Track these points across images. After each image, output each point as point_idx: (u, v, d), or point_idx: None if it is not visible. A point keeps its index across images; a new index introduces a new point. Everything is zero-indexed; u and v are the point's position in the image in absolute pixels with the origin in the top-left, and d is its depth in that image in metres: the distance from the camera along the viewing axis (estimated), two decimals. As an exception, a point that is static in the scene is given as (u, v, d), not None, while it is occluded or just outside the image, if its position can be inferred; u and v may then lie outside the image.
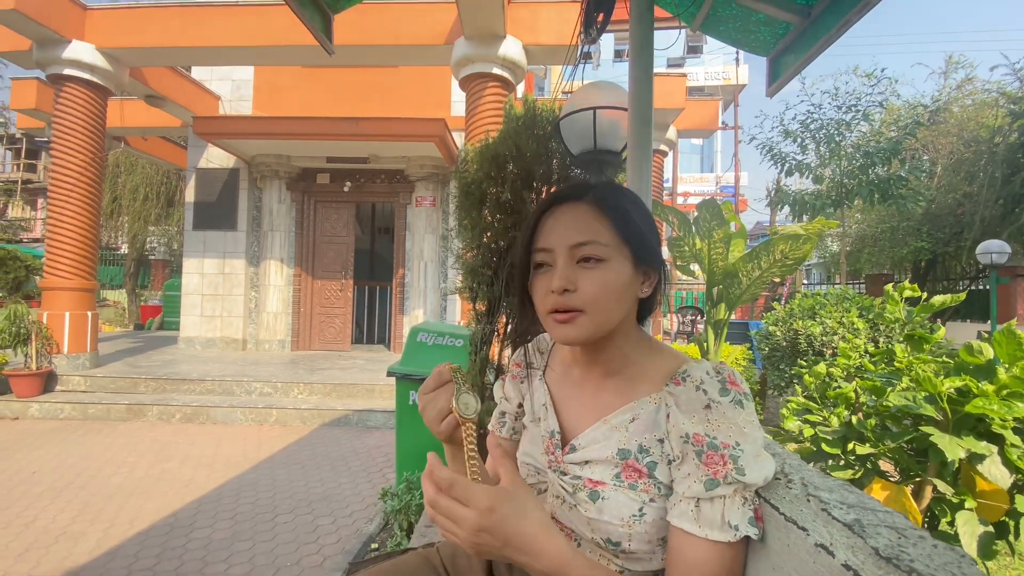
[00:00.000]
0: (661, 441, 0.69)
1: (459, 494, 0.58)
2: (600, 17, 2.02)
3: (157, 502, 2.83)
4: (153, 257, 13.81)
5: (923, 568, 0.44)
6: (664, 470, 0.68)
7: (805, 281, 16.67)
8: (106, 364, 5.84)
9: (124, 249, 13.89)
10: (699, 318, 10.33)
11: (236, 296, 7.53)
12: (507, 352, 2.49)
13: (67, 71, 5.37)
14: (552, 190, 2.53)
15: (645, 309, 0.78)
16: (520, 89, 5.68)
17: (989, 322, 7.87)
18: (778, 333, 4.00)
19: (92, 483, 3.10)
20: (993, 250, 6.92)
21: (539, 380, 0.87)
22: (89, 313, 5.54)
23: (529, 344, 0.92)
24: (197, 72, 7.54)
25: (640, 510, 0.67)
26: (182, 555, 2.28)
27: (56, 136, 5.42)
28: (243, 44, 5.37)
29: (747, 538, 0.63)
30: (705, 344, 3.66)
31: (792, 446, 1.49)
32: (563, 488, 0.74)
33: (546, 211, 0.75)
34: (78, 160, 5.40)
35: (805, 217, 8.87)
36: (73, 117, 5.41)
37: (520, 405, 0.89)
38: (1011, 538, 1.20)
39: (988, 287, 8.00)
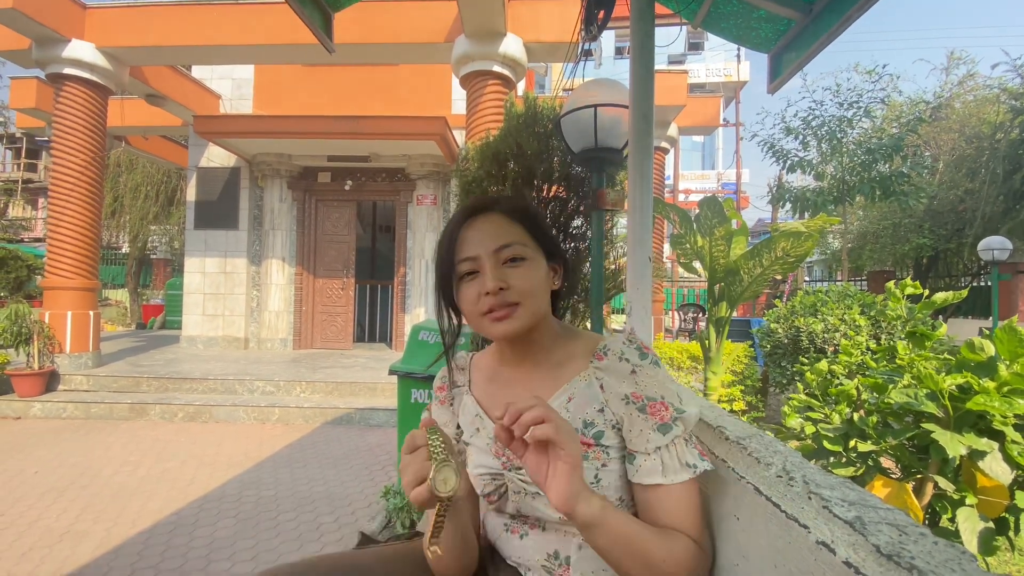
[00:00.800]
0: (601, 410, 0.75)
1: (521, 404, 0.62)
2: (601, 14, 2.02)
3: (160, 501, 2.84)
4: (155, 256, 13.82)
5: (924, 565, 0.44)
6: (611, 435, 0.75)
7: (806, 278, 16.65)
8: (108, 363, 5.85)
9: (126, 248, 13.90)
10: (700, 315, 10.33)
11: (238, 295, 7.54)
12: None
13: (67, 70, 5.37)
14: (554, 188, 2.53)
15: (556, 300, 0.88)
16: (521, 87, 5.67)
17: (991, 319, 7.86)
18: (780, 330, 4.00)
19: (95, 483, 3.11)
20: (995, 246, 6.91)
21: (467, 395, 0.90)
22: (91, 312, 5.55)
23: (447, 367, 0.94)
24: (197, 71, 7.54)
25: (596, 476, 0.74)
26: (185, 553, 2.29)
27: (56, 135, 5.42)
28: (243, 43, 5.37)
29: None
30: (707, 342, 3.65)
31: (794, 443, 1.49)
32: (522, 482, 0.77)
33: (462, 225, 0.81)
34: (79, 159, 5.40)
35: (807, 214, 8.86)
36: (73, 116, 5.41)
37: (458, 427, 0.91)
38: (1011, 534, 1.20)
39: (990, 284, 7.98)
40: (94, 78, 5.49)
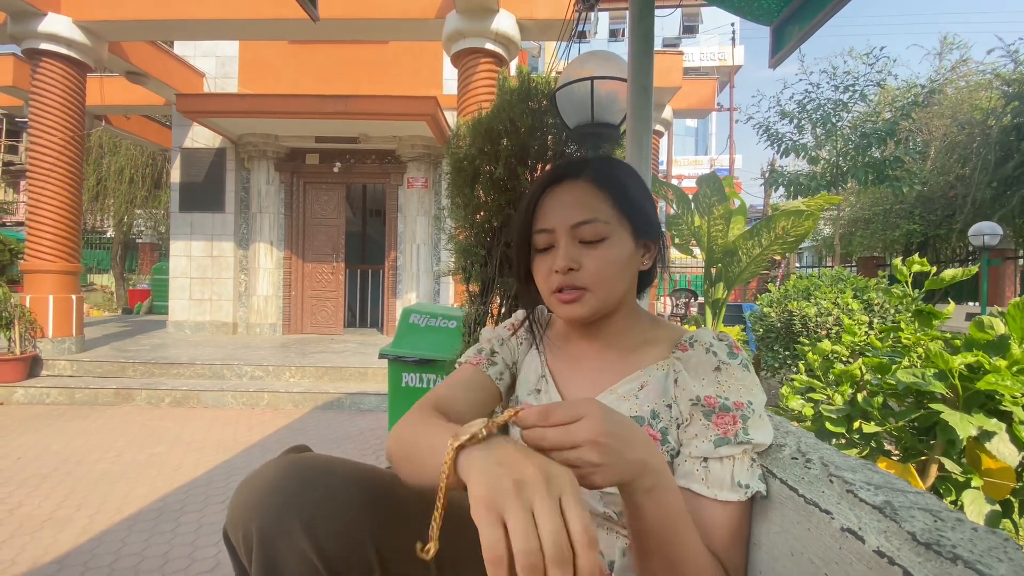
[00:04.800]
0: (669, 406, 0.70)
1: (562, 416, 0.49)
2: (598, -16, 1.94)
3: (145, 487, 2.78)
4: (140, 240, 13.57)
5: (967, 554, 0.40)
6: (675, 434, 0.69)
7: (797, 264, 16.74)
8: (93, 348, 5.74)
9: (111, 232, 13.62)
10: (692, 300, 10.37)
11: (225, 279, 7.41)
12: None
13: (43, 45, 5.17)
14: (547, 167, 2.47)
15: (644, 281, 0.80)
16: (513, 66, 5.55)
17: (978, 304, 7.93)
18: (773, 314, 3.98)
19: (78, 469, 3.04)
20: (985, 232, 6.95)
21: (536, 350, 0.84)
22: (73, 296, 5.42)
23: (531, 313, 0.88)
24: (180, 48, 7.31)
25: None
26: (171, 540, 2.24)
27: (33, 114, 5.24)
28: (227, 17, 5.18)
29: (752, 505, 0.63)
30: (703, 325, 3.63)
31: (793, 425, 1.46)
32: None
33: (544, 190, 0.75)
34: (57, 138, 5.23)
35: (799, 198, 8.84)
36: (50, 94, 5.22)
37: (514, 363, 0.85)
38: (1015, 516, 1.18)
39: (978, 269, 8.04)
40: (72, 54, 5.29)
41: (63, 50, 5.24)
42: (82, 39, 5.29)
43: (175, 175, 7.41)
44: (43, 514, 2.46)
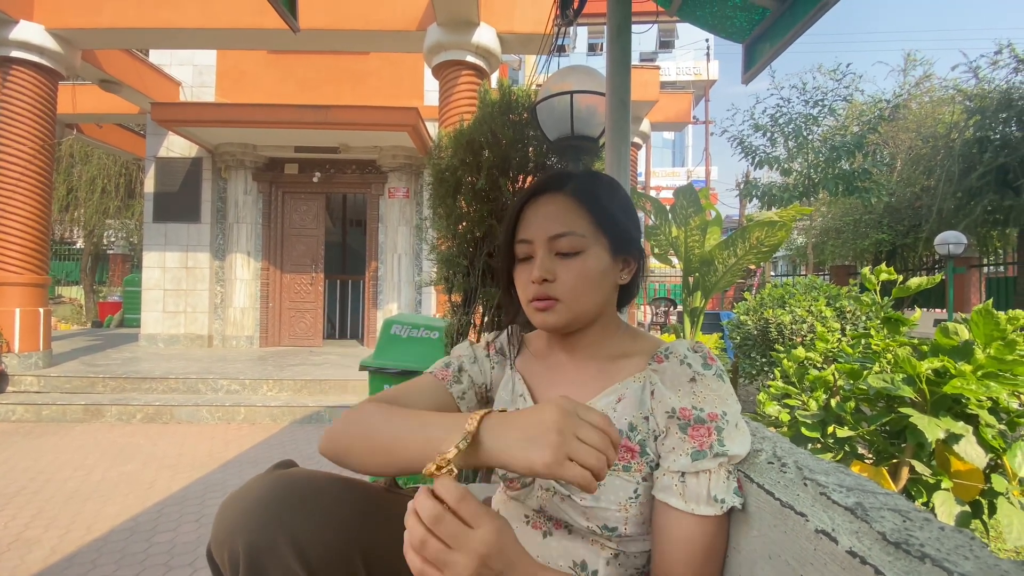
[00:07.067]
0: (647, 419, 0.70)
1: (468, 512, 0.48)
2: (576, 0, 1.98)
3: (117, 506, 2.70)
4: (111, 252, 13.23)
5: (934, 552, 0.42)
6: (652, 445, 0.69)
7: (772, 273, 17.09)
8: (61, 363, 5.56)
9: (80, 243, 13.25)
10: (672, 309, 10.50)
11: (200, 291, 7.26)
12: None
13: (14, 53, 5.05)
14: (529, 179, 2.49)
15: (625, 295, 0.81)
16: (494, 79, 5.60)
17: (945, 311, 8.20)
18: (749, 322, 4.06)
19: (47, 487, 2.93)
20: (950, 241, 7.20)
21: (511, 370, 0.85)
22: (41, 310, 5.26)
23: (503, 333, 0.90)
24: (156, 56, 7.20)
25: (635, 491, 0.67)
26: (143, 560, 2.17)
27: (3, 122, 5.10)
28: (204, 26, 5.14)
29: (730, 512, 0.64)
30: (681, 334, 3.68)
31: (770, 430, 1.49)
32: (553, 480, 0.71)
33: (527, 202, 0.77)
34: (26, 147, 5.10)
35: (774, 208, 9.06)
36: (21, 102, 5.10)
37: (483, 384, 0.86)
38: (985, 517, 1.22)
39: (944, 277, 8.30)
40: (43, 62, 5.18)
41: (35, 58, 5.13)
42: (54, 47, 5.18)
43: (149, 184, 7.26)
44: (10, 535, 2.37)
